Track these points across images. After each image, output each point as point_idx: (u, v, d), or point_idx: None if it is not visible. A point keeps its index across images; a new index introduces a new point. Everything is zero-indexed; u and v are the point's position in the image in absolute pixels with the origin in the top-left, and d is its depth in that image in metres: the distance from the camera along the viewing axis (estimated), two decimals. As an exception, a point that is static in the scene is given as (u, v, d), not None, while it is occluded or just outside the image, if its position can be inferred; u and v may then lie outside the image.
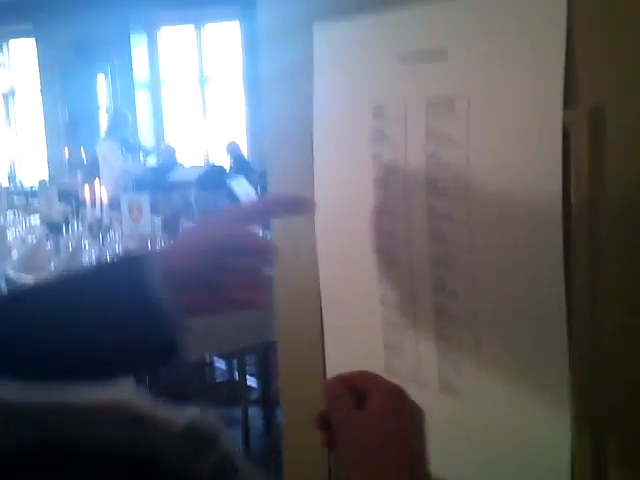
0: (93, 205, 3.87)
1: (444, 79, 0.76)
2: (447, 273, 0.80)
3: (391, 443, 0.59)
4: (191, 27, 9.43)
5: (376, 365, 0.90)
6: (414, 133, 0.79)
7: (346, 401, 0.62)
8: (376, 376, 0.65)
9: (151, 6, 8.87)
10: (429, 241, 0.80)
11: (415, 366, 0.87)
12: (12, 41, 10.04)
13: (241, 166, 7.90)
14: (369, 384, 0.63)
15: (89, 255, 3.78)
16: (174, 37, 9.63)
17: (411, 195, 0.80)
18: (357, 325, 0.93)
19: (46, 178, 9.37)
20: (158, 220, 4.87)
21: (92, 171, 7.43)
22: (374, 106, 0.83)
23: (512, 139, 0.71)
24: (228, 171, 7.84)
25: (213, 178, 7.32)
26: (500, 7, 0.71)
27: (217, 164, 8.30)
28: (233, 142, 8.29)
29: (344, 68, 0.88)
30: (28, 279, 3.52)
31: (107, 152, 7.17)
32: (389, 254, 0.86)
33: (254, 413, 3.82)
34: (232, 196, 6.95)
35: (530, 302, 0.73)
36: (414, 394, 0.88)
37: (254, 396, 3.86)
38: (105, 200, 3.78)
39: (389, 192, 0.83)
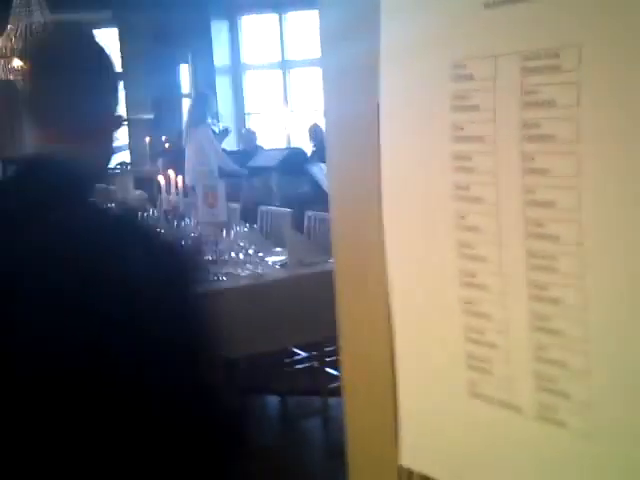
0: (168, 192, 3.83)
1: (544, 25, 0.59)
2: (548, 274, 0.63)
3: None
4: (273, 16, 9.42)
5: (457, 384, 0.75)
6: (505, 98, 0.63)
7: None
8: None
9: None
10: (525, 236, 0.64)
11: (506, 388, 0.71)
12: (94, 31, 10.28)
13: (324, 151, 7.78)
14: None
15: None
16: (256, 25, 9.62)
17: (502, 177, 0.64)
18: (434, 334, 0.77)
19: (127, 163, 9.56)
20: (236, 207, 4.82)
21: (175, 158, 7.42)
22: (453, 64, 0.67)
23: (638, 101, 0.53)
24: (311, 155, 7.75)
25: (294, 163, 7.23)
26: None
27: (297, 148, 8.21)
28: (316, 125, 8.16)
29: (414, 19, 0.72)
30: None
31: (202, 138, 6.84)
32: (474, 252, 0.69)
33: (334, 402, 3.80)
34: (313, 181, 6.86)
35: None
36: (503, 421, 0.74)
37: (334, 385, 3.78)
38: (181, 187, 3.73)
39: (473, 175, 0.67)
